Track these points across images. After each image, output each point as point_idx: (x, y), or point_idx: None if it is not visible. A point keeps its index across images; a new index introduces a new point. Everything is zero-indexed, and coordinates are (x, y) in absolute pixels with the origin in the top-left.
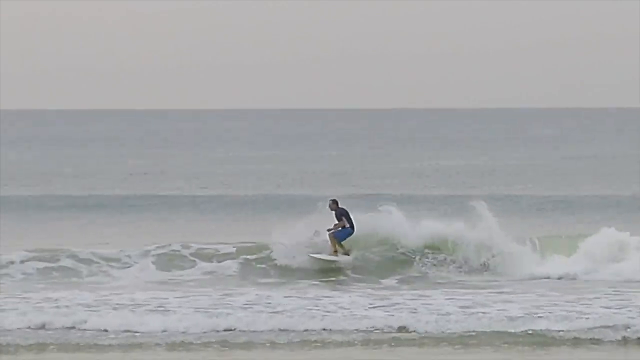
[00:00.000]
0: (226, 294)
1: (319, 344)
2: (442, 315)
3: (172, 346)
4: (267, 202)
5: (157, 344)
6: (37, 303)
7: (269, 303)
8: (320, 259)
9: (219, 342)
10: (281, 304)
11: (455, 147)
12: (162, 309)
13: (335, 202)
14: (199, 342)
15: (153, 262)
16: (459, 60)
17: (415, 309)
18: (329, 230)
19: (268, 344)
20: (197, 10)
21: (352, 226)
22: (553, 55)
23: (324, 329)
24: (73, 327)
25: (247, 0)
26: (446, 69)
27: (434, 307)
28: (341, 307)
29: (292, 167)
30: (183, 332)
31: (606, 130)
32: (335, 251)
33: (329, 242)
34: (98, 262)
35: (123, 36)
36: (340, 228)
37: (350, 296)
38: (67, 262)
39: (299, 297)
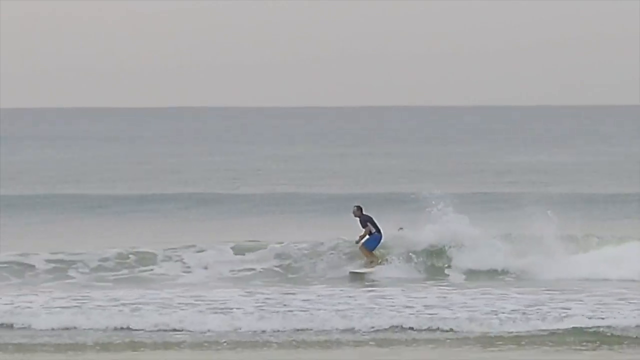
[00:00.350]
0: (290, 292)
1: (384, 342)
2: (506, 314)
3: (236, 344)
4: (344, 199)
5: (223, 342)
6: (103, 301)
7: (333, 302)
8: (360, 272)
9: (284, 341)
10: (344, 302)
11: (505, 144)
12: (227, 307)
13: (359, 208)
14: (263, 340)
15: (223, 260)
16: (459, 60)
17: (476, 308)
18: (357, 242)
19: (329, 343)
20: (197, 10)
21: (378, 230)
22: (553, 55)
23: (385, 328)
24: (124, 326)
25: (247, 0)
26: (446, 69)
27: (497, 306)
28: (405, 306)
29: (353, 164)
30: (247, 331)
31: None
32: (372, 261)
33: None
34: (169, 258)
35: (123, 36)
36: (367, 236)
37: (413, 294)
38: (137, 259)
39: (362, 296)
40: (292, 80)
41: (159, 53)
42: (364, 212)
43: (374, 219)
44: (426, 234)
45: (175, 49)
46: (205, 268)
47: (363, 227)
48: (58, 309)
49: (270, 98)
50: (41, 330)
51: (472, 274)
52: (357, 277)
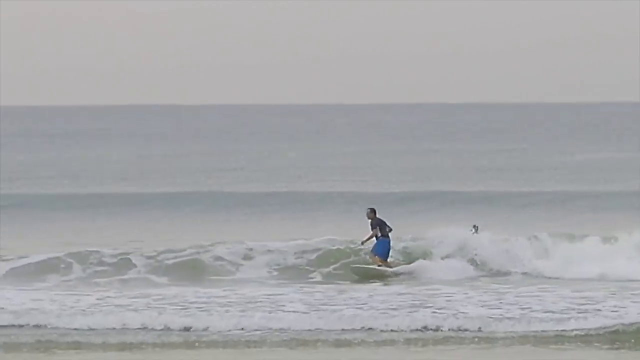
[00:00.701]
0: (341, 291)
1: (436, 342)
2: (558, 313)
3: (286, 342)
4: (415, 197)
5: (270, 341)
6: (157, 301)
7: (383, 301)
8: (363, 267)
9: (333, 339)
10: (393, 301)
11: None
12: (279, 305)
13: (373, 211)
14: (313, 339)
15: (276, 258)
16: (459, 60)
17: (531, 306)
18: (362, 243)
19: (379, 342)
20: (197, 10)
21: (386, 235)
22: (553, 55)
23: (433, 328)
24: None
25: (247, 0)
26: (446, 69)
27: (551, 304)
28: (460, 305)
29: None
30: (297, 330)
31: None
32: (379, 266)
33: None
34: (228, 254)
35: (123, 36)
36: (374, 239)
37: (464, 293)
38: (193, 257)
39: (417, 294)
40: (292, 80)
41: (159, 53)
42: (376, 215)
43: (386, 223)
44: (482, 234)
45: (175, 49)
46: (262, 264)
47: (372, 229)
48: (112, 307)
49: (270, 96)
50: (96, 329)
51: (527, 273)
52: (392, 274)
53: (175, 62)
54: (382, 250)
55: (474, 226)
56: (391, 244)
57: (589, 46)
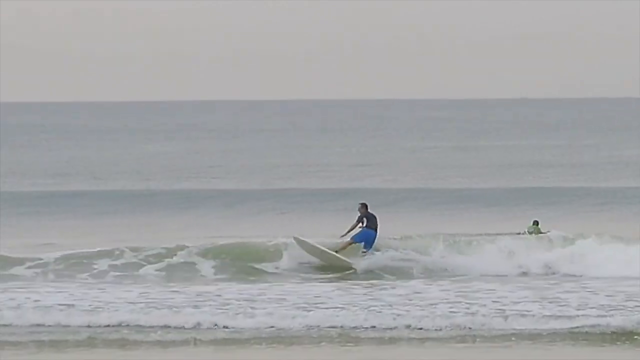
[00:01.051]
0: (382, 288)
1: (477, 339)
2: (597, 309)
3: (329, 339)
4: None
5: (311, 337)
6: (194, 297)
7: (423, 298)
8: (306, 241)
9: (380, 338)
10: (434, 297)
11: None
12: (315, 302)
13: (364, 206)
14: (358, 336)
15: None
16: (459, 58)
17: (567, 302)
18: (342, 236)
19: (419, 339)
20: (197, 10)
21: (369, 227)
22: (554, 54)
23: (475, 325)
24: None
25: (247, 0)
26: (446, 69)
27: (590, 301)
28: (492, 301)
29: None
30: (340, 327)
31: None
32: (343, 249)
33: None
34: (271, 251)
35: (123, 35)
36: (357, 229)
37: (507, 290)
38: (235, 253)
39: (453, 291)
40: (292, 79)
41: (159, 53)
42: (368, 210)
43: (375, 219)
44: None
45: (176, 49)
46: (306, 258)
47: (357, 221)
48: (155, 303)
49: (270, 93)
50: (138, 325)
51: (568, 272)
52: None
53: (175, 62)
54: (362, 238)
55: (535, 222)
56: (375, 239)
57: (590, 45)
